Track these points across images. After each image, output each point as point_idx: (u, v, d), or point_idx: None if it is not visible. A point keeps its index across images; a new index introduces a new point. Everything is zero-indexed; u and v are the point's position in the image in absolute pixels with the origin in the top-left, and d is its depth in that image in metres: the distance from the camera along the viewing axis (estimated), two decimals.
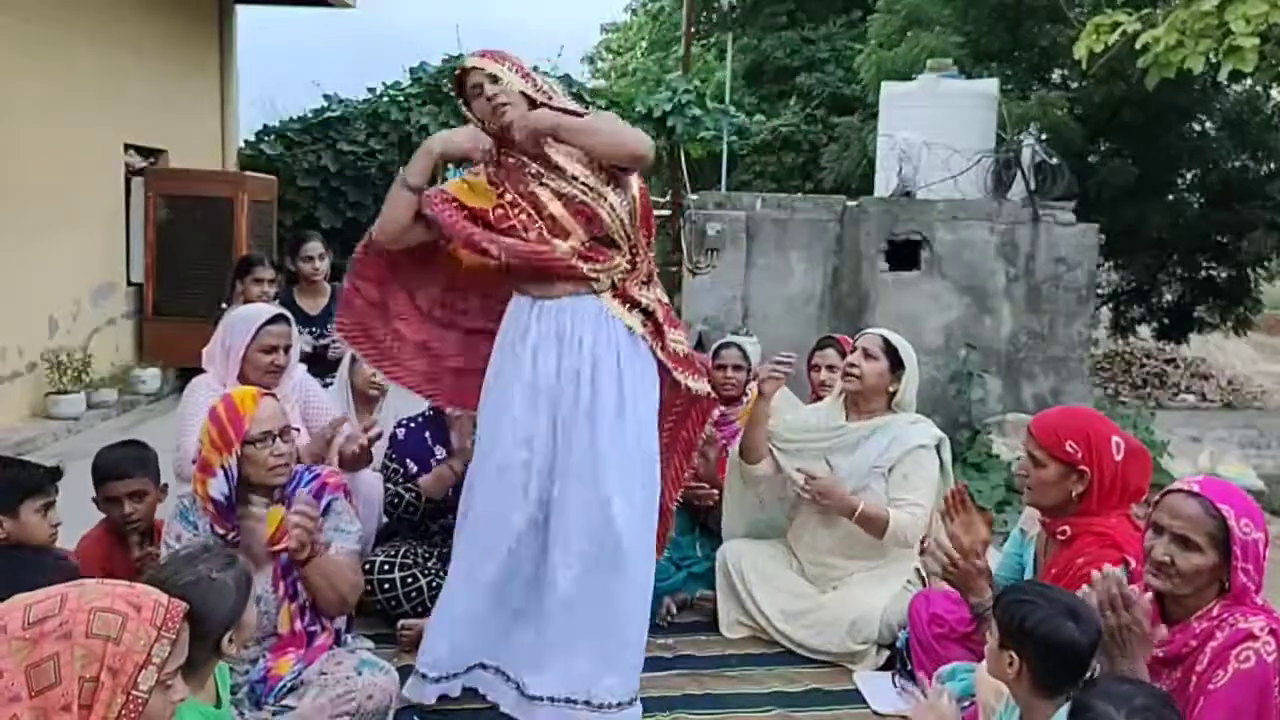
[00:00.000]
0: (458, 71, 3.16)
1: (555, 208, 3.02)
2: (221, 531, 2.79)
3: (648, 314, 3.12)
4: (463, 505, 3.17)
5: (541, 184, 3.04)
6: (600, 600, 2.99)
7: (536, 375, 3.03)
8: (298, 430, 2.96)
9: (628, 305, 3.09)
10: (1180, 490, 2.24)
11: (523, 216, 3.04)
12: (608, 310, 3.06)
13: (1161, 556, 2.20)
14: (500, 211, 3.06)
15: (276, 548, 2.79)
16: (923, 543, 3.71)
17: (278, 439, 2.83)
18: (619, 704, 2.99)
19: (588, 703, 2.97)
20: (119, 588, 1.61)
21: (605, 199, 3.02)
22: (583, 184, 3.03)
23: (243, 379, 3.54)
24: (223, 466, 2.76)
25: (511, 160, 3.11)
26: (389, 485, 3.90)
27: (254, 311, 3.75)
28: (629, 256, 3.10)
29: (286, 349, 3.66)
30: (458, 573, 3.13)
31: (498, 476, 3.06)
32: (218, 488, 2.76)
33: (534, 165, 3.07)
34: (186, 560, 2.28)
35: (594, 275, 3.04)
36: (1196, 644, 2.17)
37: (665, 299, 3.24)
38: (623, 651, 3.02)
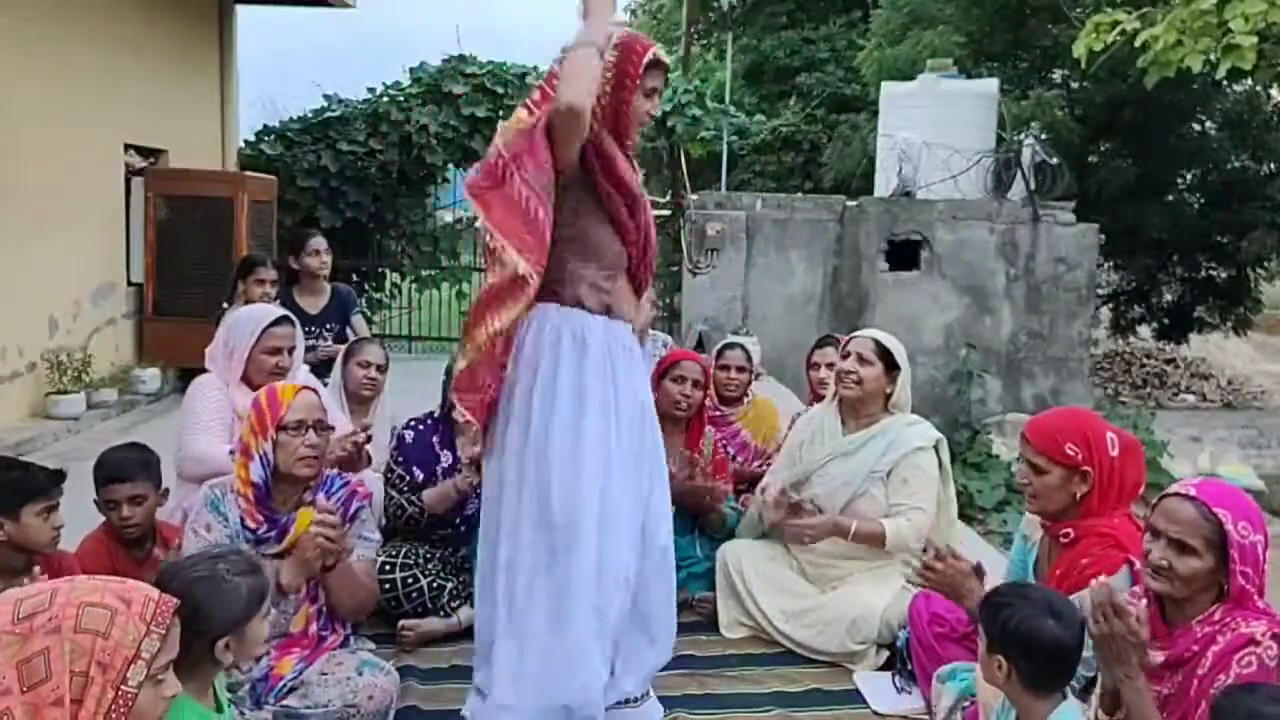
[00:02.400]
0: (651, 57, 2.71)
1: (650, 225, 2.89)
2: (253, 525, 2.81)
3: None
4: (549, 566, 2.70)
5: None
6: (640, 605, 2.93)
7: (626, 404, 2.81)
8: (326, 429, 2.97)
9: None
10: (1177, 494, 2.24)
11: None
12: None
13: (1159, 560, 2.20)
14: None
15: (313, 555, 2.83)
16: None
17: (311, 430, 2.86)
18: (643, 695, 2.99)
19: (619, 702, 2.94)
20: (109, 583, 1.61)
21: None
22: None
23: (246, 380, 3.55)
24: (260, 452, 2.85)
25: (618, 157, 2.77)
26: (392, 493, 3.79)
27: (259, 312, 3.76)
28: None
29: (291, 350, 3.67)
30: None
31: (603, 525, 2.72)
32: (256, 472, 2.85)
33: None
34: (208, 557, 2.29)
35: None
36: (1198, 648, 2.17)
37: None
38: (652, 647, 3.00)
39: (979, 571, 2.80)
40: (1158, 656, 2.18)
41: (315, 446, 2.88)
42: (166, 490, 3.28)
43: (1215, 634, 2.16)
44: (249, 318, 3.70)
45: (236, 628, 2.20)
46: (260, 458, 2.86)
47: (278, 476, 2.88)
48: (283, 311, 3.81)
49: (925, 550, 2.90)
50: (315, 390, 3.06)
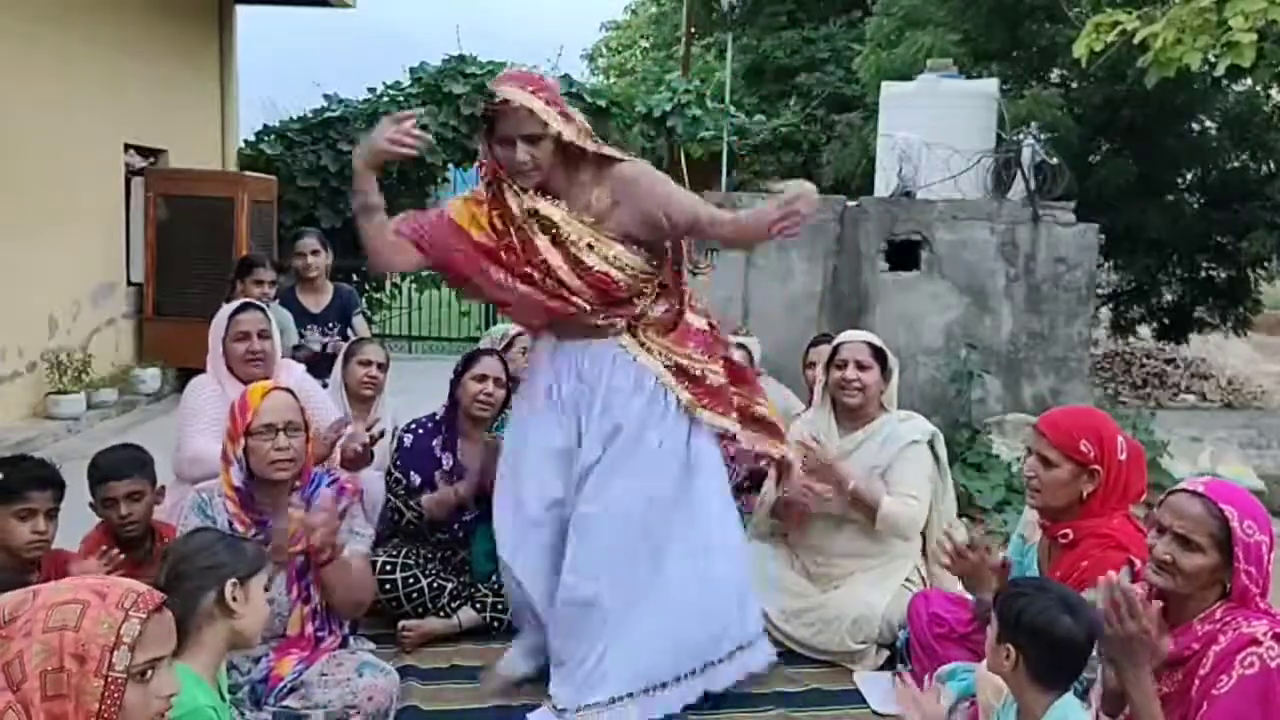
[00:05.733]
0: (489, 101, 2.90)
1: (565, 274, 2.93)
2: (241, 528, 2.81)
3: (669, 364, 3.09)
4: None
5: (554, 244, 2.93)
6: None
7: (559, 414, 3.09)
8: (300, 429, 2.96)
9: (645, 348, 3.09)
10: (1185, 490, 2.24)
11: (531, 271, 2.95)
12: (626, 352, 3.08)
13: (1163, 555, 2.20)
14: (511, 257, 2.96)
15: (294, 549, 2.83)
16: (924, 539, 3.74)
17: (280, 433, 2.85)
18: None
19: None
20: (89, 579, 1.62)
21: (627, 267, 2.96)
22: (604, 254, 2.94)
23: (231, 373, 3.65)
24: (236, 457, 2.87)
25: (511, 205, 2.95)
26: (390, 496, 3.81)
27: (229, 306, 3.83)
28: (650, 301, 3.09)
29: (261, 334, 3.69)
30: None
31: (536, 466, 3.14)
32: (236, 476, 2.87)
33: (534, 224, 2.93)
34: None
35: (609, 323, 3.04)
36: (1199, 647, 2.17)
37: (700, 326, 3.19)
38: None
39: (1005, 566, 2.80)
40: (1165, 643, 2.17)
41: (285, 449, 2.87)
42: (163, 488, 3.27)
43: (1216, 633, 2.16)
44: (221, 311, 3.78)
45: (244, 574, 2.27)
46: (237, 462, 2.87)
47: (257, 480, 2.88)
48: (245, 300, 3.89)
49: (969, 538, 2.87)
50: (289, 390, 3.05)
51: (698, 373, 3.09)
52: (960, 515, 4.19)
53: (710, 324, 3.23)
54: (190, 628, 2.17)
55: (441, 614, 3.65)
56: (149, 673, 1.57)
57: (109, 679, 1.51)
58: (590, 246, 2.93)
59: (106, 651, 1.52)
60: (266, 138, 10.62)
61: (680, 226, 2.96)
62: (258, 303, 3.88)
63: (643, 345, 3.08)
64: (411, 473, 3.78)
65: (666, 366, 3.07)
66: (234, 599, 2.23)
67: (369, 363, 4.28)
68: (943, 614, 3.14)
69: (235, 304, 3.82)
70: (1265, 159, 11.02)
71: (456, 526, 3.76)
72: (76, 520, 3.16)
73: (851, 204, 6.72)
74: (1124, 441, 2.77)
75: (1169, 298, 11.98)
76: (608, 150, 2.97)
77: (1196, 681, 2.14)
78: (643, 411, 3.05)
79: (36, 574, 2.78)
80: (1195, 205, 11.26)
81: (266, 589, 2.41)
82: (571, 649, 3.03)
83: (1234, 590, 2.17)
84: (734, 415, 3.19)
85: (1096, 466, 2.71)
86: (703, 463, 3.12)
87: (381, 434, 3.71)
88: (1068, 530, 2.74)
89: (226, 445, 2.90)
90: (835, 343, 3.84)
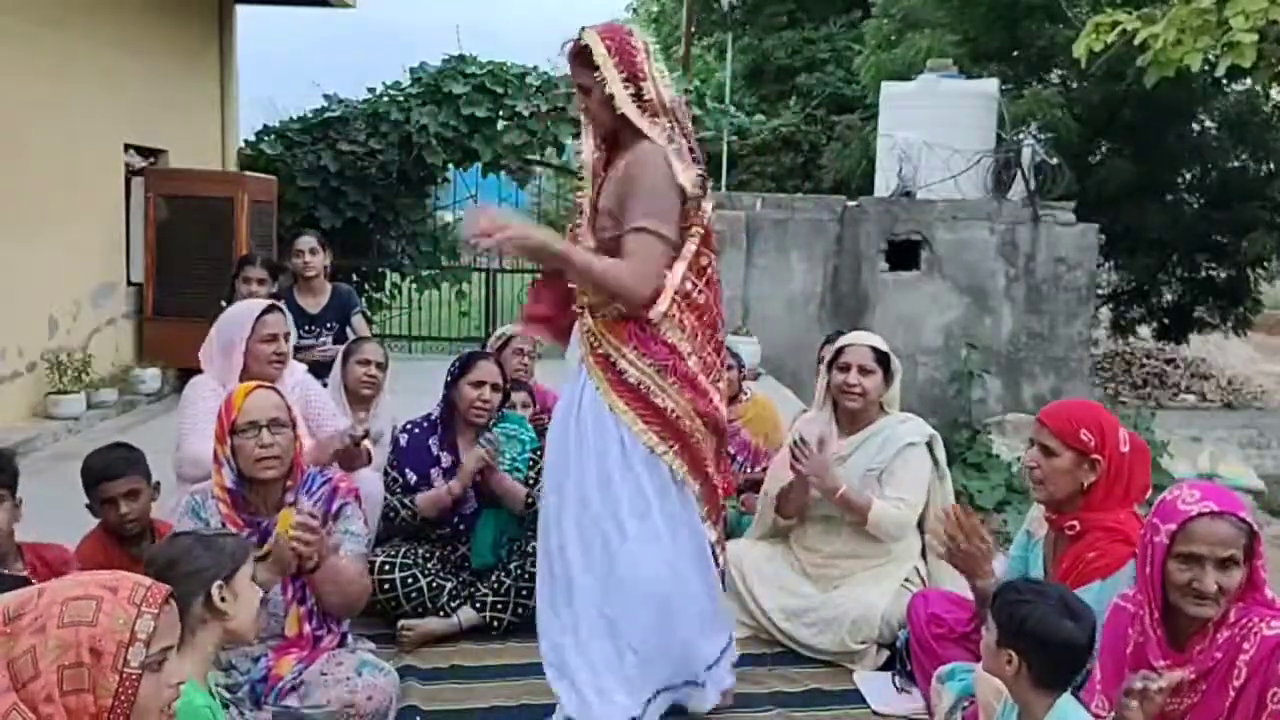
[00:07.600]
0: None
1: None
2: (235, 530, 2.80)
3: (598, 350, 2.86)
4: None
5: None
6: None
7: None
8: (286, 426, 2.94)
9: (588, 330, 2.89)
10: (1204, 514, 2.15)
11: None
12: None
13: (1212, 586, 2.13)
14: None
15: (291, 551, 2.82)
16: (920, 527, 3.73)
17: (264, 430, 2.83)
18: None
19: None
20: (98, 575, 1.62)
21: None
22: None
23: (246, 374, 3.58)
24: (225, 458, 2.86)
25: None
26: (386, 495, 3.82)
27: (247, 306, 3.84)
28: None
29: (285, 336, 3.71)
30: None
31: None
32: (228, 477, 2.86)
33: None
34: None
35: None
36: (1222, 655, 2.15)
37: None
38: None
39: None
40: (1175, 674, 2.14)
41: (270, 446, 2.84)
42: (158, 484, 3.25)
43: (1237, 639, 2.14)
44: (239, 312, 3.77)
45: (227, 574, 2.25)
46: (226, 463, 2.86)
47: (248, 480, 2.87)
48: (269, 301, 3.87)
49: (948, 516, 2.89)
50: (274, 388, 3.04)
51: (630, 378, 2.81)
52: None
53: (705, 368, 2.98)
54: (183, 632, 2.16)
55: (441, 614, 3.65)
56: (162, 662, 1.59)
57: (124, 674, 1.52)
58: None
59: (122, 647, 1.53)
60: (266, 138, 10.62)
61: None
62: (277, 303, 3.87)
63: (588, 329, 2.91)
64: (408, 471, 3.82)
65: (595, 349, 2.84)
66: (222, 599, 2.23)
67: (368, 362, 4.28)
68: (942, 614, 3.14)
69: (261, 305, 3.78)
70: (1265, 159, 11.05)
71: (456, 520, 3.79)
72: (77, 521, 3.16)
73: (851, 204, 6.72)
74: (1127, 435, 2.78)
75: (1169, 298, 12.00)
76: (638, 122, 2.75)
77: (1231, 692, 2.12)
78: (573, 392, 2.92)
79: (20, 564, 2.78)
80: (1195, 205, 11.29)
81: (266, 595, 2.40)
82: None
83: (1247, 583, 2.16)
84: (670, 441, 2.84)
85: (1097, 456, 2.72)
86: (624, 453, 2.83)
87: (366, 434, 3.68)
88: (1074, 522, 2.75)
89: (216, 447, 2.88)
90: (840, 344, 3.81)
